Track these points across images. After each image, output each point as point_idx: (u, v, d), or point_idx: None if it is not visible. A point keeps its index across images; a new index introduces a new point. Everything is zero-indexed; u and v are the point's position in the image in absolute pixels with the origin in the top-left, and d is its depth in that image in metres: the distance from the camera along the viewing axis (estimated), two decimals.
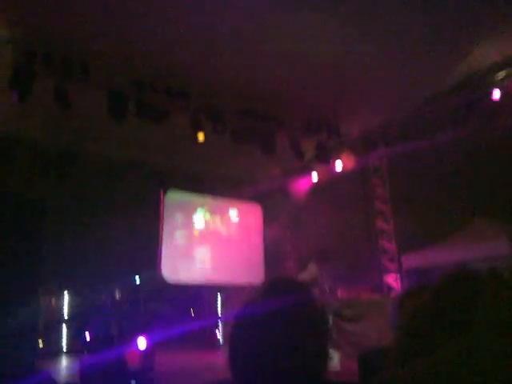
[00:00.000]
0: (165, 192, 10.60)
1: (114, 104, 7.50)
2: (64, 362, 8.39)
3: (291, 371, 0.95)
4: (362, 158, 10.11)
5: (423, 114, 9.12)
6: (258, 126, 8.87)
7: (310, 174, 10.93)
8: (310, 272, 7.93)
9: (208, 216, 11.49)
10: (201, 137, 8.46)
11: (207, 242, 11.26)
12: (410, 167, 10.30)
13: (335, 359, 6.68)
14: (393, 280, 10.39)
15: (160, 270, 10.09)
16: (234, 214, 11.95)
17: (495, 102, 7.94)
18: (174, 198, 10.91)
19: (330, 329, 0.98)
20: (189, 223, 11.12)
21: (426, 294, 1.20)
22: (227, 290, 10.97)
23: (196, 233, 11.18)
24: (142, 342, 6.82)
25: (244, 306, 1.07)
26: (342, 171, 10.11)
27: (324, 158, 9.74)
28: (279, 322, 0.98)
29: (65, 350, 9.04)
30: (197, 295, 10.61)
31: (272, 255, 12.02)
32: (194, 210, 11.28)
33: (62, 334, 8.91)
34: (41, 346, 8.63)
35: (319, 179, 10.84)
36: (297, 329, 0.97)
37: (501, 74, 7.80)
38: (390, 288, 10.35)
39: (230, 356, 1.06)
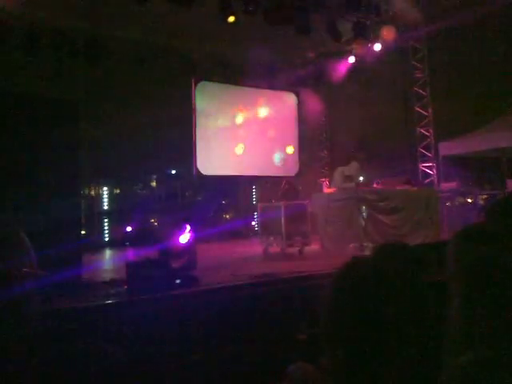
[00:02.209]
0: (196, 83, 10.45)
1: None
2: (107, 255, 8.81)
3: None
4: (402, 39, 9.64)
5: None
6: (291, 5, 8.33)
7: (347, 57, 10.57)
8: (352, 169, 8.07)
9: (242, 107, 11.35)
10: (231, 18, 8.13)
11: (241, 133, 11.28)
12: (450, 50, 9.86)
13: (369, 251, 6.93)
14: (429, 168, 10.51)
15: (195, 162, 10.32)
16: (268, 104, 11.76)
17: None
18: (205, 90, 10.75)
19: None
20: (222, 115, 11.03)
21: (488, 240, 1.13)
22: (262, 182, 11.27)
23: (230, 125, 11.15)
24: (183, 237, 7.04)
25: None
26: (381, 53, 9.72)
27: (363, 38, 9.26)
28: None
29: (107, 241, 9.52)
30: (233, 187, 10.95)
31: (306, 145, 12.07)
32: (227, 101, 11.13)
33: (103, 227, 9.48)
34: (83, 232, 9.06)
35: (356, 63, 10.48)
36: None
37: None
38: (425, 176, 10.50)
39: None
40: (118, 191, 9.88)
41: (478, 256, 1.09)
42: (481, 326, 1.02)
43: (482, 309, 1.03)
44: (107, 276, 5.97)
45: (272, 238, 8.20)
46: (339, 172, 8.19)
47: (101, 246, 9.11)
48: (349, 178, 7.96)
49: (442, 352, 1.03)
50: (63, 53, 8.52)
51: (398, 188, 8.10)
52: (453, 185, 10.00)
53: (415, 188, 8.43)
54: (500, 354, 0.96)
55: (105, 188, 9.52)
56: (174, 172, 10.34)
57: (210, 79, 10.76)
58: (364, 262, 1.08)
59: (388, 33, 9.42)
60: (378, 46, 9.78)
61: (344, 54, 10.54)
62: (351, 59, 10.55)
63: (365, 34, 9.34)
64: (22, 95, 6.96)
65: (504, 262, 1.06)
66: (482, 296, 1.04)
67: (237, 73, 10.79)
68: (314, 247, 7.80)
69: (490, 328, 1.01)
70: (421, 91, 10.48)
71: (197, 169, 10.37)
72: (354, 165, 8.12)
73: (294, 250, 7.82)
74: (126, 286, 5.33)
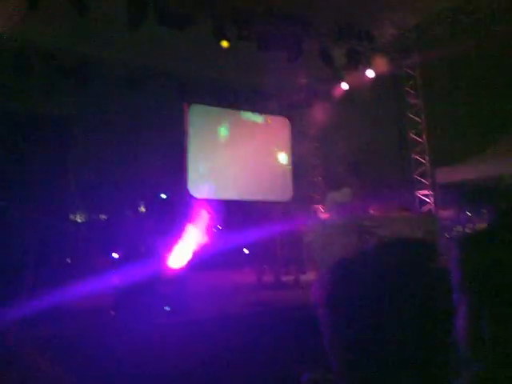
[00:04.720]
0: (189, 106, 10.84)
1: (133, 8, 7.47)
2: (93, 282, 8.77)
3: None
4: (395, 65, 10.05)
5: (461, 15, 9.05)
6: (285, 31, 8.83)
7: (340, 84, 10.91)
8: (344, 196, 8.27)
9: (234, 131, 11.72)
10: (225, 44, 8.50)
11: (234, 157, 11.53)
12: (444, 76, 10.22)
13: None
14: (425, 195, 10.65)
15: (186, 185, 10.61)
16: (260, 128, 12.13)
17: None
18: (198, 113, 11.11)
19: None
20: (215, 138, 11.39)
21: (496, 244, 1.09)
22: (255, 207, 11.36)
23: (222, 148, 11.47)
24: (173, 261, 6.95)
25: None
26: (374, 79, 10.08)
27: (355, 65, 9.68)
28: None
29: (93, 267, 9.50)
30: (224, 212, 11.12)
31: (300, 171, 12.37)
32: (219, 125, 11.51)
33: (89, 252, 9.49)
34: (69, 261, 9.09)
35: (349, 89, 10.81)
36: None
37: None
38: (422, 203, 10.61)
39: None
40: (104, 217, 10.02)
41: (487, 261, 1.05)
42: (490, 338, 0.99)
43: (490, 319, 1.00)
44: (94, 303, 5.99)
45: (266, 266, 8.29)
46: (331, 198, 8.39)
47: (86, 273, 9.13)
48: (339, 205, 8.15)
49: (452, 359, 0.96)
50: (53, 73, 8.83)
51: (396, 215, 8.28)
52: (450, 213, 10.26)
53: (414, 215, 8.56)
54: (508, 367, 0.95)
55: (91, 213, 9.64)
56: (164, 196, 10.52)
57: (202, 102, 11.11)
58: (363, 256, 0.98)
59: (380, 63, 9.89)
60: (370, 73, 10.13)
61: (337, 80, 10.87)
62: (344, 85, 10.87)
63: (357, 62, 9.74)
64: (12, 112, 7.26)
65: None
66: (490, 304, 1.01)
67: (230, 96, 11.17)
68: (310, 276, 7.85)
69: (500, 340, 0.98)
70: (415, 117, 10.80)
71: (188, 192, 10.62)
72: (347, 192, 8.30)
73: (290, 278, 7.87)
74: (113, 313, 5.49)
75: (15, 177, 7.41)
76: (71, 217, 9.43)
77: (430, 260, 0.94)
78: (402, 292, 0.87)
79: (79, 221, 9.85)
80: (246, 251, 9.99)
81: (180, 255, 7.17)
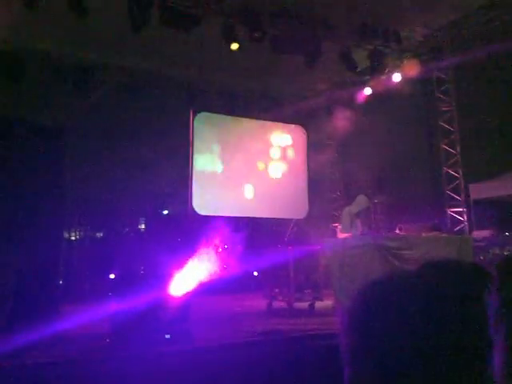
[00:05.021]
0: (195, 113, 10.47)
1: (135, 8, 7.23)
2: (88, 306, 8.67)
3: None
4: (425, 68, 9.65)
5: (499, 13, 8.64)
6: (301, 32, 8.54)
7: (363, 89, 10.60)
8: (359, 204, 7.84)
9: (245, 140, 11.31)
10: (235, 46, 8.25)
11: (244, 170, 11.16)
12: (479, 80, 9.72)
13: None
14: (458, 213, 10.22)
15: (191, 201, 10.18)
16: (273, 138, 11.74)
17: None
18: (205, 121, 10.75)
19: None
20: (223, 149, 10.99)
21: None
22: (266, 225, 10.99)
23: (231, 160, 11.04)
24: (176, 285, 6.88)
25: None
26: (401, 84, 9.73)
27: (380, 68, 9.40)
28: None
29: (87, 291, 9.37)
30: (231, 230, 10.93)
31: (317, 184, 11.93)
32: (228, 134, 11.11)
33: (84, 273, 9.29)
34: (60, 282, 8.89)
35: (373, 95, 10.47)
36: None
37: None
38: (454, 222, 10.15)
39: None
40: (101, 234, 9.82)
41: None
42: None
43: None
44: (88, 329, 5.71)
45: (277, 291, 7.91)
46: (346, 213, 7.92)
47: (81, 296, 8.98)
48: (357, 216, 7.74)
49: None
50: (50, 79, 8.63)
51: (425, 235, 7.80)
52: (486, 233, 9.76)
53: (445, 235, 8.15)
54: None
55: (86, 231, 9.47)
56: (165, 212, 10.39)
57: (210, 110, 10.81)
58: None
59: (408, 67, 9.53)
60: (397, 77, 9.78)
61: (359, 85, 10.60)
62: (367, 90, 10.55)
63: (382, 66, 9.48)
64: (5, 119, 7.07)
65: None
66: None
67: (239, 103, 10.93)
68: (327, 302, 7.42)
69: None
70: (447, 126, 10.33)
71: (192, 208, 10.22)
72: (361, 199, 7.81)
73: (304, 304, 7.48)
74: (107, 340, 5.20)
75: (4, 191, 7.17)
76: (65, 234, 9.25)
77: (485, 286, 0.93)
78: (448, 321, 0.83)
79: (74, 239, 9.62)
80: (255, 274, 9.75)
81: (183, 278, 6.93)
